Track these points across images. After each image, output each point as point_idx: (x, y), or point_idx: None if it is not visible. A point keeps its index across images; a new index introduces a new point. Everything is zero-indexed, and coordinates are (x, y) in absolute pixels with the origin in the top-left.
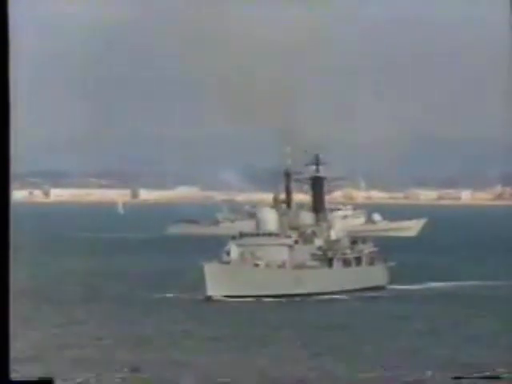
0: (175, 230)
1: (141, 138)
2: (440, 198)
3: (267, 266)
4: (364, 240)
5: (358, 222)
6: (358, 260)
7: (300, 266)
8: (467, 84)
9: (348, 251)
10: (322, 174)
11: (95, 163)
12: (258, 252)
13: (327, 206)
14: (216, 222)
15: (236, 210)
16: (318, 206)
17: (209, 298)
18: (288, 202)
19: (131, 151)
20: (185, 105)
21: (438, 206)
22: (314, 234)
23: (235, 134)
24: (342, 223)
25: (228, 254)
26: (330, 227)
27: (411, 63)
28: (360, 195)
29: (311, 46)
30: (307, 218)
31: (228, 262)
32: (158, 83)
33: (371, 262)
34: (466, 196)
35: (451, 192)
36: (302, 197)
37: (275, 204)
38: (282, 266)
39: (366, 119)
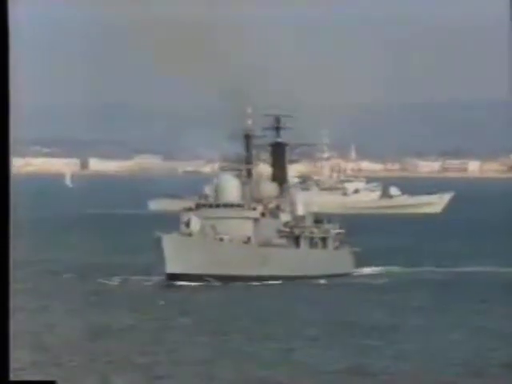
0: (156, 206)
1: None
2: (444, 169)
3: (231, 241)
4: (329, 219)
5: (372, 196)
6: (324, 241)
7: (266, 244)
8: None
9: (315, 230)
10: (283, 139)
11: (36, 128)
12: (220, 226)
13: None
14: (205, 197)
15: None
16: (279, 177)
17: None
18: (248, 169)
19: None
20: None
21: (441, 179)
22: (278, 207)
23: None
24: (304, 196)
25: (187, 225)
26: (293, 201)
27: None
28: (349, 166)
29: None
30: (270, 189)
31: (190, 234)
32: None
33: (337, 246)
34: (473, 167)
35: (456, 163)
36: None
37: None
38: (246, 241)
39: (358, 79)
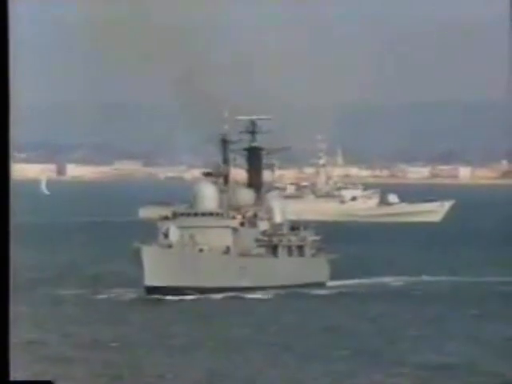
0: (146, 213)
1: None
2: (433, 175)
3: (210, 251)
4: (305, 226)
5: (370, 203)
6: (301, 248)
7: (245, 254)
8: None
9: (293, 238)
10: (258, 143)
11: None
12: (198, 235)
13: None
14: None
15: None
16: (255, 183)
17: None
18: (225, 176)
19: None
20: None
21: (431, 185)
22: (255, 215)
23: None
24: (281, 203)
25: (166, 236)
26: (270, 208)
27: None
28: (336, 173)
29: None
30: (248, 196)
31: (170, 246)
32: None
33: (314, 253)
34: (464, 173)
35: (447, 169)
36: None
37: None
38: (226, 252)
39: (343, 80)
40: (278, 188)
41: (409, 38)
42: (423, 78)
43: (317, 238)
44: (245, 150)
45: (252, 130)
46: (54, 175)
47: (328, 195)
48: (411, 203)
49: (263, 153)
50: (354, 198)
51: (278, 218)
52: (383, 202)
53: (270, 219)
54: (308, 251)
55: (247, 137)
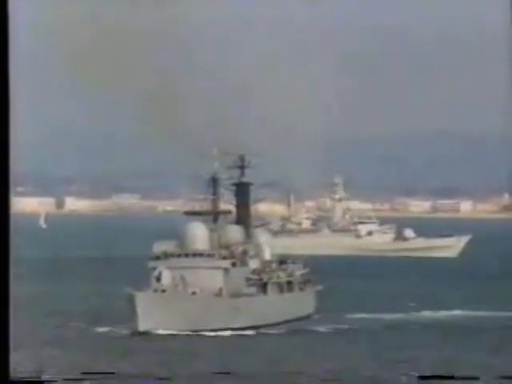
0: (161, 248)
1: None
2: (435, 209)
3: (202, 293)
4: (294, 260)
5: (386, 238)
6: (290, 284)
7: (237, 294)
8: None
9: (281, 274)
10: (247, 179)
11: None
12: (190, 276)
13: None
14: None
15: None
16: (243, 219)
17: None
18: (215, 214)
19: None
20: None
21: (432, 220)
22: (244, 253)
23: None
24: (269, 239)
25: (158, 279)
26: (259, 245)
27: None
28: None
29: None
30: (237, 233)
31: (163, 290)
32: None
33: (301, 287)
34: (466, 207)
35: (449, 202)
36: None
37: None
38: (218, 294)
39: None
40: (293, 222)
41: (405, 66)
42: (420, 108)
43: (305, 271)
44: (233, 185)
45: (241, 164)
46: (52, 209)
47: (344, 230)
48: (428, 238)
49: (252, 188)
50: (370, 233)
51: (267, 255)
52: (399, 236)
53: (258, 254)
54: (297, 285)
55: (236, 173)
